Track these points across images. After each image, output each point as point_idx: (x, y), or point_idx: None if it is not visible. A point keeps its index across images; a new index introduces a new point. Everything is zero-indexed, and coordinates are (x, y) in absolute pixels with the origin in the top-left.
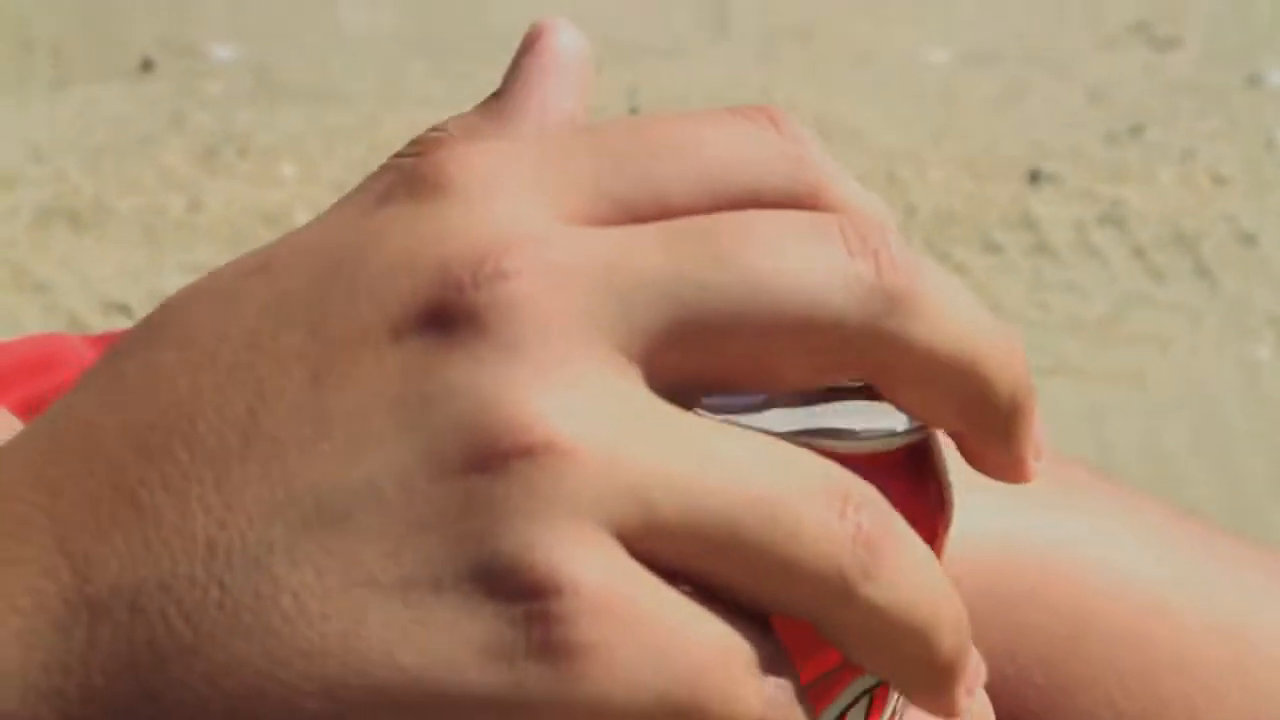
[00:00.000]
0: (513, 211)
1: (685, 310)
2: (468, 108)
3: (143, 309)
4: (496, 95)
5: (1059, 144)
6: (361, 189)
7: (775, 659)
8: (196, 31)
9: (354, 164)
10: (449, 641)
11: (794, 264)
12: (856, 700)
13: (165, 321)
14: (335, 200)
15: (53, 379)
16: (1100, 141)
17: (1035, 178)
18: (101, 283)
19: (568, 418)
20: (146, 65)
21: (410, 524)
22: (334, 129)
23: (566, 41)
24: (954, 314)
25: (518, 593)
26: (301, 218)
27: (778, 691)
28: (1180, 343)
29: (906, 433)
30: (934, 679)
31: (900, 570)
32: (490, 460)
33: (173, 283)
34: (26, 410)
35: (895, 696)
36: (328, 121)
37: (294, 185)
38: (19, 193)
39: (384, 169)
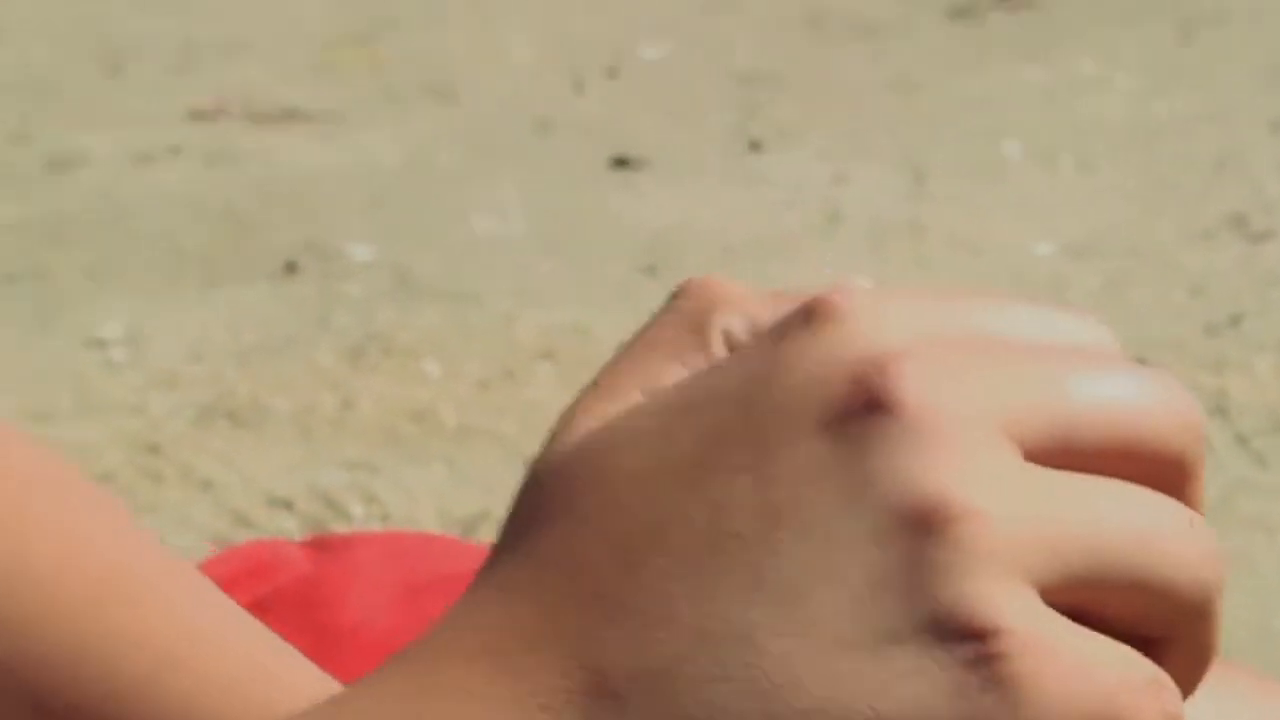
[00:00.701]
0: (897, 327)
1: (1047, 409)
2: (597, 305)
3: (305, 504)
4: None
5: (1162, 335)
6: (658, 333)
7: (1165, 683)
8: (336, 235)
9: (493, 360)
10: (917, 685)
11: (1129, 390)
12: None
13: (601, 464)
14: (478, 385)
15: (272, 581)
16: (1201, 332)
17: None
18: (264, 479)
19: (980, 490)
20: (290, 268)
21: (868, 587)
22: (471, 327)
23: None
24: None
25: (963, 637)
26: (446, 413)
27: (1172, 708)
28: None
29: None
30: (1211, 658)
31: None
32: (925, 528)
33: (331, 478)
34: (254, 611)
35: None
36: (465, 320)
37: (438, 383)
38: (180, 392)
39: (666, 311)
